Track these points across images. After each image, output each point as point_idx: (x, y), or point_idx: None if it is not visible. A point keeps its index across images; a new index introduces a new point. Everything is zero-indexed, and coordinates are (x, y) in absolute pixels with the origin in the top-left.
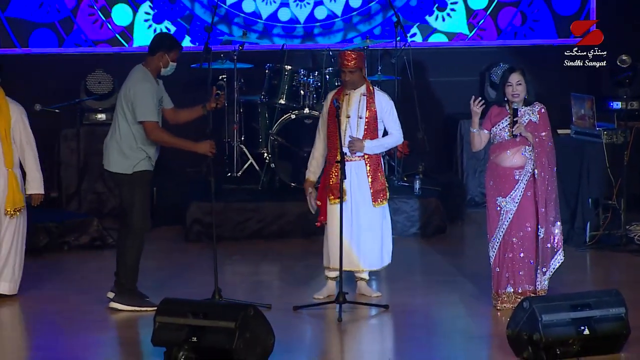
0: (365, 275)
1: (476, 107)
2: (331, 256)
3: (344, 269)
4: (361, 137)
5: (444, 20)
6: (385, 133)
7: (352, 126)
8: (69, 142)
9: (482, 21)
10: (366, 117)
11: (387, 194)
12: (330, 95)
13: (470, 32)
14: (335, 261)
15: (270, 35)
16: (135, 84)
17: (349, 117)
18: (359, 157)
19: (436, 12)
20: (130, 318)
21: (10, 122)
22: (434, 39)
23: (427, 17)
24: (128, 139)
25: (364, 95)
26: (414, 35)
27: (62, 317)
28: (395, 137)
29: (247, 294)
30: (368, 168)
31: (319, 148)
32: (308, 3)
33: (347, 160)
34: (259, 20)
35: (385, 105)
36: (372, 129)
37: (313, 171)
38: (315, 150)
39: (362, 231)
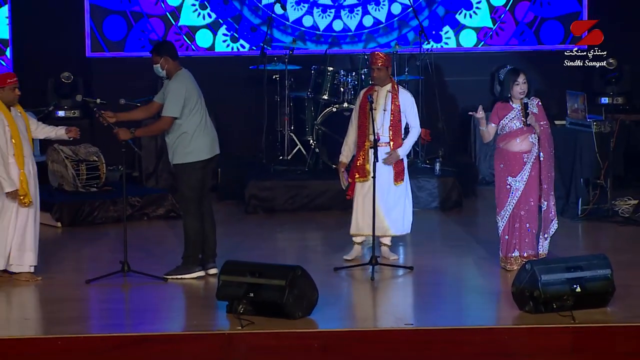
0: (388, 242)
1: (478, 115)
2: (355, 224)
3: (367, 233)
4: (387, 127)
5: (470, 17)
6: (406, 127)
7: (378, 117)
8: None
9: (502, 15)
10: (391, 110)
11: (406, 175)
12: (362, 92)
13: (494, 25)
14: (357, 228)
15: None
16: None
17: (376, 109)
18: (385, 143)
19: (464, 11)
20: (197, 278)
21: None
22: (464, 34)
23: (457, 16)
24: None
25: (389, 92)
26: (446, 32)
27: (141, 275)
28: (416, 131)
29: (295, 257)
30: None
31: (352, 136)
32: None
33: (378, 146)
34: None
35: (407, 101)
36: (396, 120)
37: (345, 155)
38: (348, 138)
39: (386, 204)
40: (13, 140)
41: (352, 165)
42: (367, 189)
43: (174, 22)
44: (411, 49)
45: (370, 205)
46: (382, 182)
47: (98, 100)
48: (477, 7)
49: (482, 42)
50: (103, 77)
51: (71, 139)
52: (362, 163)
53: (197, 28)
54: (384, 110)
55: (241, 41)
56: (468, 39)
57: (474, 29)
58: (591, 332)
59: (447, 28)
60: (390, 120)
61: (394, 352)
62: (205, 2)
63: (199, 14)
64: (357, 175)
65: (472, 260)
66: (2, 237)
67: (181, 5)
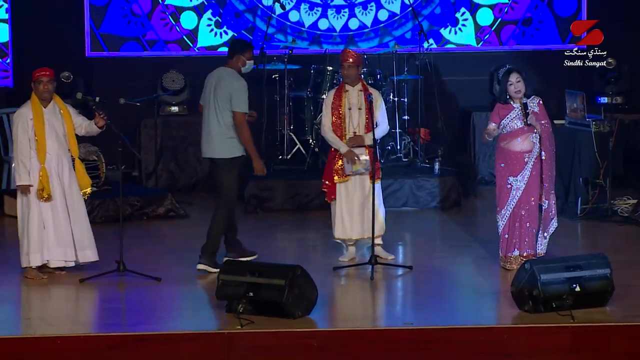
0: (380, 240)
1: (492, 133)
2: (341, 228)
3: (354, 237)
4: (363, 125)
5: (455, 33)
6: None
7: (354, 116)
8: (148, 129)
9: (487, 36)
10: (365, 108)
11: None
12: (332, 92)
13: (478, 44)
14: (345, 232)
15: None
16: (235, 80)
17: (350, 109)
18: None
19: (449, 26)
20: (191, 276)
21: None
22: (481, 13)
23: (441, 30)
24: (230, 128)
25: (360, 91)
26: (463, 14)
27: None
28: (383, 127)
29: (295, 256)
30: (367, 151)
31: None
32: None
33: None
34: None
35: (377, 99)
36: (371, 118)
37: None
38: (330, 133)
39: (369, 204)
40: (36, 137)
41: (329, 167)
42: (351, 190)
43: (191, 45)
44: (411, 48)
45: (358, 206)
46: (363, 181)
47: (97, 99)
48: None
49: (499, 19)
50: (103, 77)
51: (104, 128)
52: (341, 164)
53: (216, 47)
54: (359, 109)
55: (225, 28)
56: (485, 17)
57: (489, 6)
58: (590, 331)
59: (463, 9)
60: (366, 119)
61: (394, 351)
62: None
63: (216, 33)
64: (335, 177)
65: (472, 259)
66: (31, 233)
67: (197, 27)
